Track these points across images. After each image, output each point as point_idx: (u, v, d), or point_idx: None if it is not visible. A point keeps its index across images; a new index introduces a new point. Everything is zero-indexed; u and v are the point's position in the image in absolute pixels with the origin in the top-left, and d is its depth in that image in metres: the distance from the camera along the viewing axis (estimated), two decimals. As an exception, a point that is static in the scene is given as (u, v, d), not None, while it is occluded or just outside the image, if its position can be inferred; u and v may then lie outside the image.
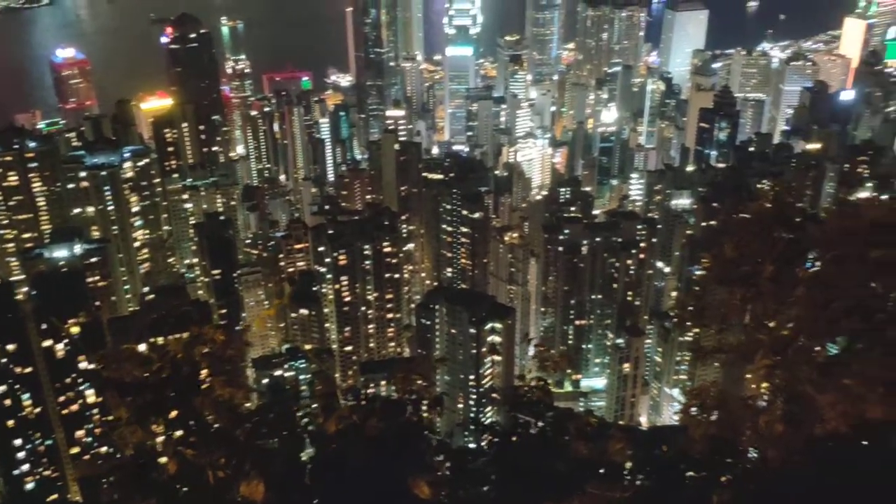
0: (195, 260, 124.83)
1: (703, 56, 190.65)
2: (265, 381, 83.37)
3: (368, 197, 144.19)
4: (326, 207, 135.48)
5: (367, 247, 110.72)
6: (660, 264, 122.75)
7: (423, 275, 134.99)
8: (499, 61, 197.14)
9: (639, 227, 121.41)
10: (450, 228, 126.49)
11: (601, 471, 7.58)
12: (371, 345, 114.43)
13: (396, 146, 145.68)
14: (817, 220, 7.26)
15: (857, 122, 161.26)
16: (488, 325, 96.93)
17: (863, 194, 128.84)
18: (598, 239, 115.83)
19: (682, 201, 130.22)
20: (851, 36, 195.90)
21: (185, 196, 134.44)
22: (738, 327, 7.93)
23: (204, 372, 8.84)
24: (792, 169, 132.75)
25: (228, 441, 8.58)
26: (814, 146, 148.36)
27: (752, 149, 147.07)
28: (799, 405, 7.33)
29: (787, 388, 7.50)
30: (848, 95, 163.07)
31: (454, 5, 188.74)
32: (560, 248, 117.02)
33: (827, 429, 6.81)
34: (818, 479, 5.96)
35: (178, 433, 8.54)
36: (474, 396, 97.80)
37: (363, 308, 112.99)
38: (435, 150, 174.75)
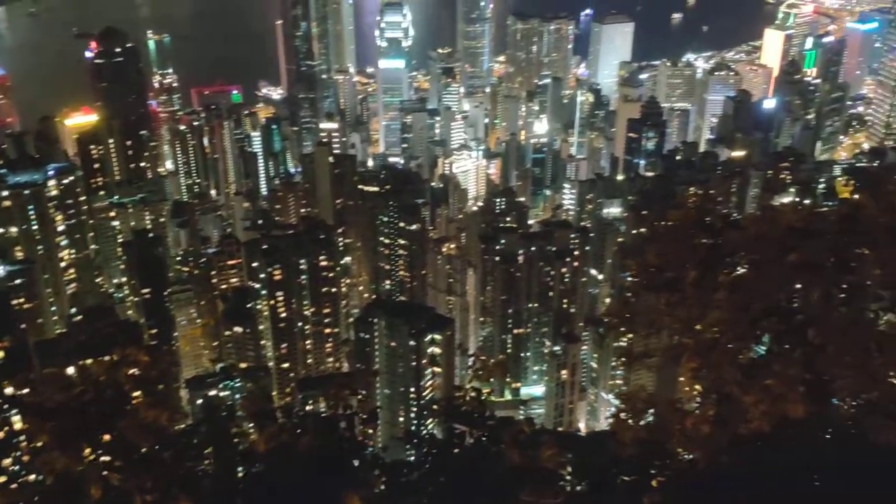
0: (124, 279, 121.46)
1: (630, 68, 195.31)
2: (199, 401, 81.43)
3: (303, 210, 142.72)
4: (260, 222, 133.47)
5: (302, 261, 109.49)
6: (593, 272, 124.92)
7: (360, 288, 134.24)
8: (431, 74, 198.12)
9: (572, 235, 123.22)
10: (387, 241, 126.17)
11: (535, 478, 7.62)
12: (309, 361, 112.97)
13: (331, 159, 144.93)
14: (737, 226, 7.48)
15: (778, 129, 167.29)
16: (428, 337, 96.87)
17: (785, 199, 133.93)
18: (533, 248, 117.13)
19: (613, 210, 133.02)
20: (771, 46, 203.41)
21: (113, 214, 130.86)
22: (665, 332, 8.09)
23: (134, 394, 8.65)
24: (717, 176, 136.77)
25: (156, 464, 8.37)
26: (738, 153, 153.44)
27: (678, 157, 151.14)
28: (725, 406, 7.51)
29: (713, 389, 7.69)
30: (769, 104, 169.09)
31: (385, 18, 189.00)
32: (497, 258, 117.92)
33: (751, 428, 7.01)
34: (741, 478, 6.13)
35: (105, 458, 8.31)
36: (415, 409, 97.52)
37: (300, 323, 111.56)
38: (370, 163, 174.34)
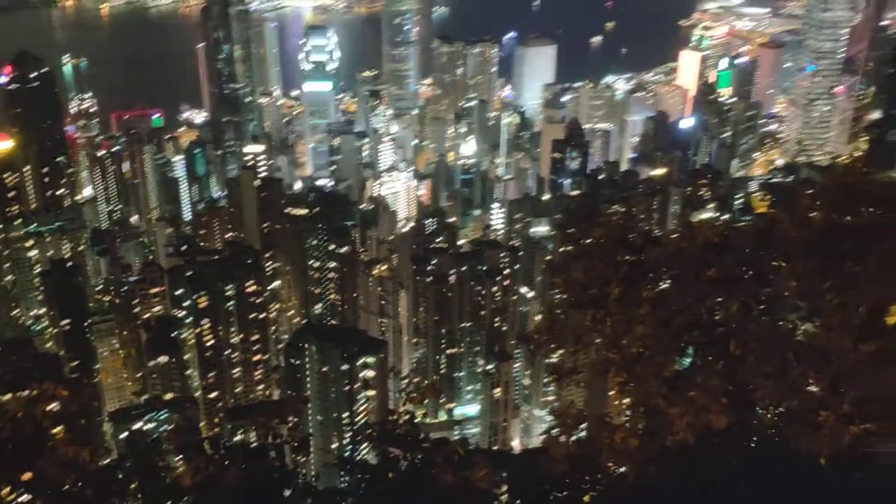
0: (42, 310, 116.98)
1: (553, 90, 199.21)
2: (123, 435, 78.64)
3: (229, 235, 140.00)
4: (183, 248, 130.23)
5: (228, 287, 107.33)
6: (524, 289, 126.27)
7: (290, 313, 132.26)
8: (358, 96, 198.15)
9: (502, 254, 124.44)
10: (317, 264, 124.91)
11: (468, 499, 7.61)
12: (237, 389, 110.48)
13: (256, 182, 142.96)
14: (658, 243, 7.67)
15: (696, 147, 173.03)
16: (360, 360, 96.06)
17: (705, 215, 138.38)
18: (464, 268, 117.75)
19: (541, 228, 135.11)
20: (687, 68, 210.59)
21: (29, 243, 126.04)
22: (592, 347, 8.21)
23: (54, 430, 8.32)
24: (639, 194, 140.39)
25: (78, 502, 8.06)
26: (658, 172, 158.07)
27: (602, 176, 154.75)
28: (652, 418, 7.66)
29: (640, 402, 7.84)
30: (687, 123, 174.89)
31: (310, 42, 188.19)
32: (428, 279, 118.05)
33: (677, 440, 7.16)
34: (668, 490, 6.25)
35: (24, 497, 7.97)
36: (348, 434, 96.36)
37: (227, 351, 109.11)
38: (297, 186, 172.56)
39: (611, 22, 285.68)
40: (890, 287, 6.38)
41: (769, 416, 7.41)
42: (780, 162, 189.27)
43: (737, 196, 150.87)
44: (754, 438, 7.37)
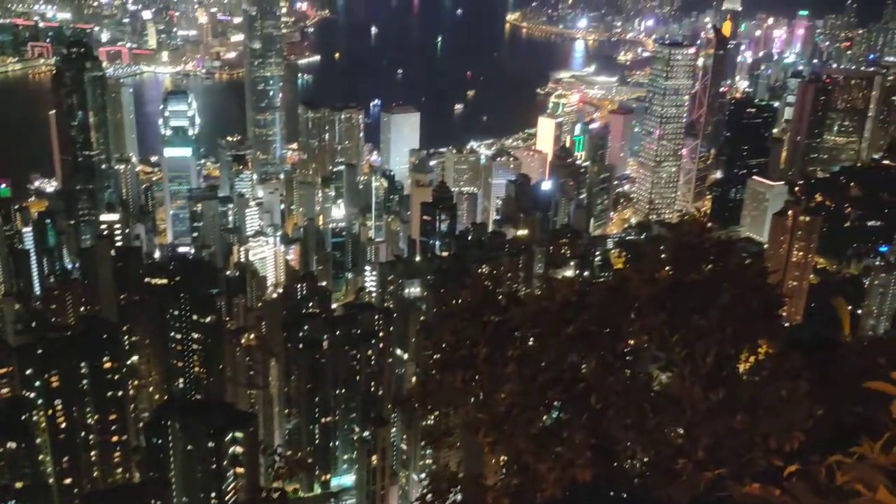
0: None
1: (420, 154, 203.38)
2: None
3: (83, 310, 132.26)
4: (33, 325, 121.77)
5: (83, 364, 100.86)
6: (399, 352, 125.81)
7: (150, 389, 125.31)
8: (221, 161, 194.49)
9: (376, 317, 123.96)
10: (179, 336, 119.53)
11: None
12: (95, 473, 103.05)
13: (112, 252, 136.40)
14: (521, 303, 7.89)
15: (556, 208, 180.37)
16: (228, 436, 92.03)
17: (567, 272, 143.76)
18: (337, 332, 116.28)
19: (414, 289, 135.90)
20: (545, 133, 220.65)
21: None
22: (462, 408, 8.27)
23: None
24: (506, 253, 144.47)
25: None
26: (522, 232, 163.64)
27: (470, 237, 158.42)
28: (523, 476, 7.75)
29: (511, 461, 7.93)
30: (546, 185, 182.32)
31: (169, 107, 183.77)
32: (300, 346, 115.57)
33: (545, 496, 7.28)
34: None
35: None
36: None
37: (83, 433, 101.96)
38: (157, 254, 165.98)
39: (471, 91, 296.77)
40: (730, 338, 6.84)
41: (632, 466, 7.65)
42: (633, 220, 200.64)
43: (596, 253, 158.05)
44: (619, 490, 7.58)
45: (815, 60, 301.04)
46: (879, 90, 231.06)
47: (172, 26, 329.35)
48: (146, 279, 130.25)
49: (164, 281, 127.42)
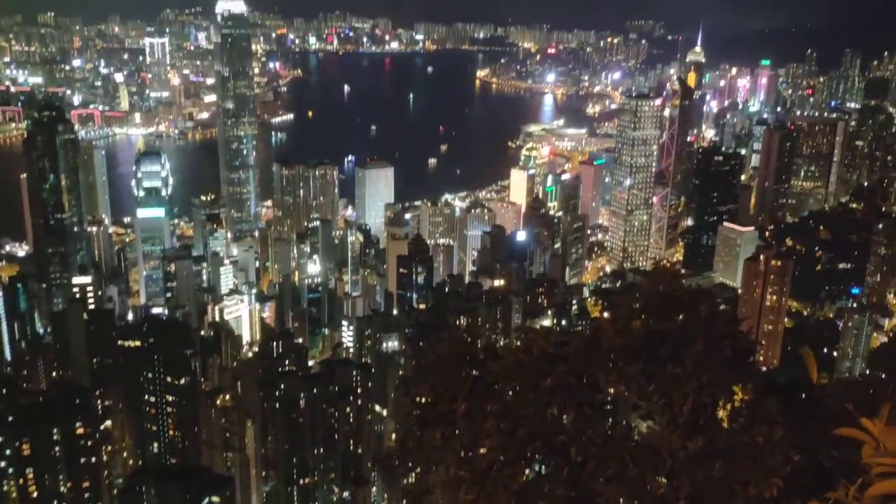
0: None
1: (395, 208, 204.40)
2: None
3: (55, 374, 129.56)
4: (4, 391, 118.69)
5: (55, 431, 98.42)
6: (378, 408, 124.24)
7: (125, 454, 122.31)
8: (195, 221, 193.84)
9: (354, 373, 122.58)
10: (153, 399, 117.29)
11: None
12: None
13: (85, 315, 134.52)
14: (497, 356, 7.91)
15: (531, 258, 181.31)
16: (205, 501, 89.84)
17: (545, 322, 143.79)
18: (315, 390, 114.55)
19: (392, 344, 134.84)
20: (518, 185, 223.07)
21: None
22: (442, 465, 8.21)
23: None
24: (483, 305, 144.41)
25: None
26: (499, 282, 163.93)
27: (447, 289, 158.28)
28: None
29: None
30: (521, 236, 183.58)
31: (142, 168, 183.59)
32: (277, 405, 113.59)
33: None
34: None
35: None
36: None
37: (55, 501, 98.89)
38: (130, 316, 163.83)
39: (444, 145, 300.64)
40: (706, 386, 6.90)
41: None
42: (608, 268, 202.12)
43: (573, 302, 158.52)
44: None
45: (779, 108, 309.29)
46: (843, 135, 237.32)
47: (145, 88, 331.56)
48: (119, 342, 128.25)
49: (138, 343, 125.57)
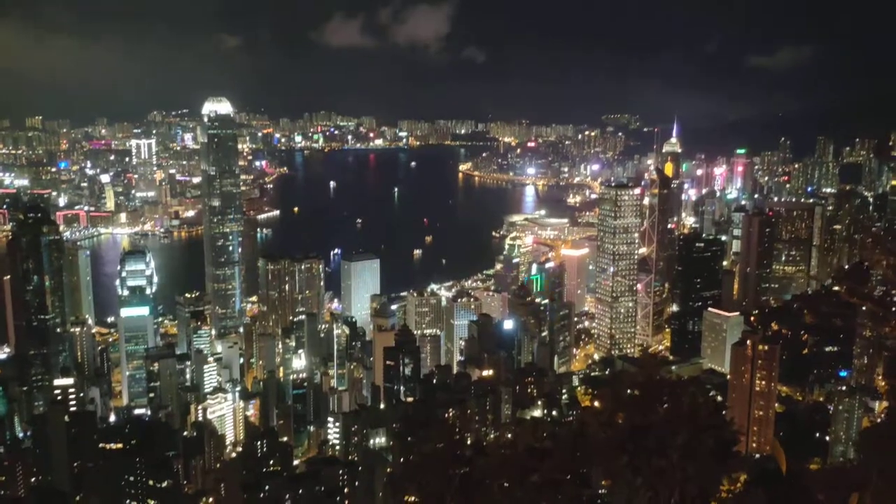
0: None
1: (381, 300, 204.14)
2: None
3: (34, 480, 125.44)
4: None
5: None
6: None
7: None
8: (179, 319, 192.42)
9: (340, 472, 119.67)
10: (134, 503, 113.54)
11: None
12: None
13: (66, 418, 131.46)
14: (484, 453, 7.93)
15: (519, 347, 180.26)
16: None
17: (535, 412, 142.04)
18: (300, 491, 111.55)
19: (379, 439, 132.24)
20: (503, 273, 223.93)
21: None
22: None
23: None
24: (472, 396, 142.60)
25: None
26: (487, 372, 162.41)
27: (435, 381, 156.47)
28: None
29: None
30: (508, 324, 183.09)
31: (126, 267, 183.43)
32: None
33: None
34: None
35: None
36: None
37: None
38: (112, 418, 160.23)
39: (429, 236, 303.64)
40: (691, 477, 6.94)
41: None
42: (596, 356, 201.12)
43: (562, 391, 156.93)
44: None
45: (757, 195, 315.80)
46: (821, 220, 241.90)
47: (131, 188, 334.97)
48: (101, 444, 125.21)
49: (120, 445, 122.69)
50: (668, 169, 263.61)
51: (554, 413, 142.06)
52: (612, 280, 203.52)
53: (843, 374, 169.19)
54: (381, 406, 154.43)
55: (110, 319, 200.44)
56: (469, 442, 8.40)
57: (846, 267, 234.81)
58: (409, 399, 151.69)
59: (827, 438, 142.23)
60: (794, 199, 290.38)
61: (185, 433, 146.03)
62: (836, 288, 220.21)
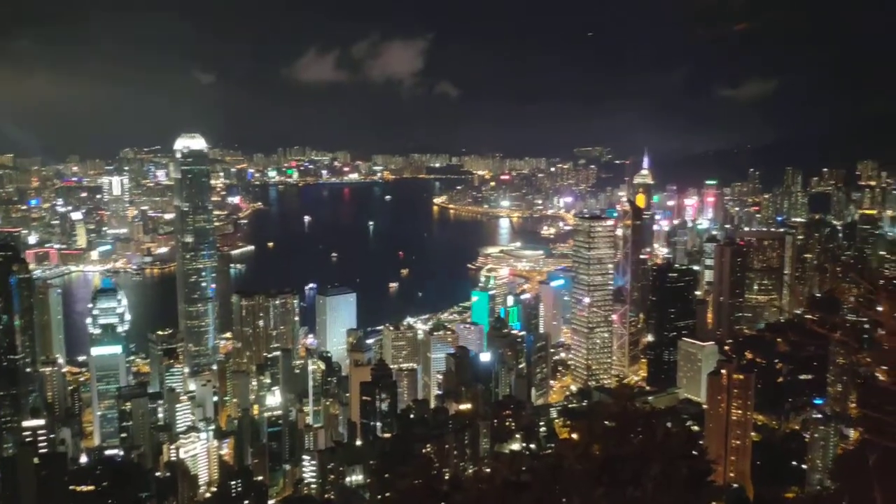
0: None
1: (357, 334, 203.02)
2: None
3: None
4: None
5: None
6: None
7: None
8: (152, 356, 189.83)
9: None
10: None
11: None
12: None
13: (36, 460, 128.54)
14: (461, 487, 7.92)
15: (496, 380, 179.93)
16: None
17: (514, 445, 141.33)
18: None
19: (356, 477, 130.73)
20: (479, 306, 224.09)
21: None
22: None
23: None
24: (450, 430, 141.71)
25: None
26: (465, 406, 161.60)
27: (412, 416, 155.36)
28: None
29: None
30: (486, 357, 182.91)
31: (98, 305, 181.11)
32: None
33: None
34: None
35: None
36: None
37: None
38: (84, 459, 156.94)
39: (405, 269, 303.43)
40: (666, 507, 7.00)
41: None
42: (573, 387, 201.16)
43: (541, 423, 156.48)
44: None
45: (728, 225, 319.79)
46: (791, 249, 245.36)
47: (103, 225, 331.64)
48: (72, 487, 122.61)
49: (91, 487, 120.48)
50: (640, 200, 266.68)
51: (532, 446, 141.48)
52: (587, 311, 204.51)
53: (817, 401, 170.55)
54: (358, 442, 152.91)
55: (82, 358, 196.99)
56: (447, 477, 8.38)
57: (817, 295, 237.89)
58: (386, 435, 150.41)
59: (804, 466, 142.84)
60: (764, 229, 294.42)
61: (158, 474, 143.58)
62: (808, 316, 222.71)
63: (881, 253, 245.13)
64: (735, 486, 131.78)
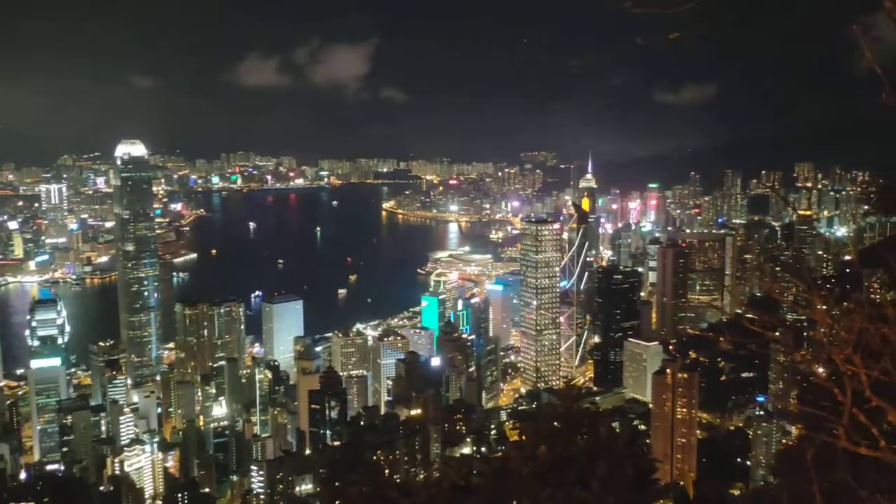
0: None
1: (304, 341, 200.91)
2: None
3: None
4: None
5: None
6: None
7: None
8: (93, 368, 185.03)
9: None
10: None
11: None
12: None
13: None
14: (410, 494, 7.91)
15: (447, 384, 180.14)
16: None
17: (465, 449, 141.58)
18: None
19: (306, 486, 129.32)
20: (429, 311, 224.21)
21: None
22: None
23: None
24: (401, 436, 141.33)
25: None
26: (415, 412, 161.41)
27: (362, 423, 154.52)
28: None
29: None
30: (436, 361, 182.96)
31: (37, 317, 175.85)
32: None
33: None
34: None
35: None
36: None
37: None
38: (23, 475, 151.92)
39: (353, 275, 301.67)
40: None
41: None
42: (523, 390, 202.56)
43: (491, 427, 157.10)
44: None
45: (670, 227, 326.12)
46: (732, 250, 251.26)
47: (40, 235, 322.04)
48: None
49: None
50: (585, 204, 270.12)
51: (483, 449, 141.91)
52: (535, 313, 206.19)
53: (760, 398, 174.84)
54: (307, 451, 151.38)
55: (20, 371, 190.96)
56: (397, 482, 8.35)
57: (757, 295, 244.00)
58: (336, 443, 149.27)
59: (748, 463, 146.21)
60: (705, 231, 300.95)
61: (102, 488, 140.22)
62: (749, 315, 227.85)
63: (818, 252, 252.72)
64: (680, 483, 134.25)
